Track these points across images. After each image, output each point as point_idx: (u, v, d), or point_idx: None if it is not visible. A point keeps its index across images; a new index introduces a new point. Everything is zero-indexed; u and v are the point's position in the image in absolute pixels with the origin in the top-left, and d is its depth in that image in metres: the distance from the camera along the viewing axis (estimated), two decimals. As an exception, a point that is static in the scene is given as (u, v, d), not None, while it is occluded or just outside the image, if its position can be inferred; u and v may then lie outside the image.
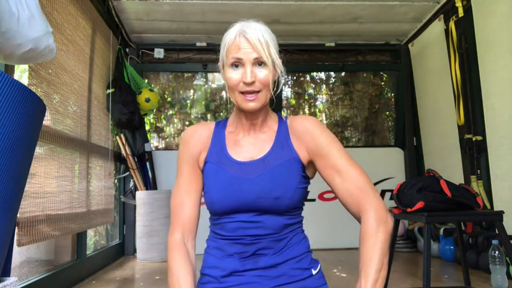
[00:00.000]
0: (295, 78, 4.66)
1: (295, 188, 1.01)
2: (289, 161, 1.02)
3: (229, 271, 1.00)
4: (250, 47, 0.98)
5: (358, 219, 0.97)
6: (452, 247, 3.15)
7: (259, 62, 0.99)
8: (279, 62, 1.02)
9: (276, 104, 4.25)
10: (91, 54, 3.03)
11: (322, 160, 1.01)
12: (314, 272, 1.03)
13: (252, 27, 1.00)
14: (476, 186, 3.05)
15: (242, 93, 1.00)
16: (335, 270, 2.88)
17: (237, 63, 0.99)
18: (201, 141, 1.09)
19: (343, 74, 4.67)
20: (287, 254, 1.01)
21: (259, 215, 1.00)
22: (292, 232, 1.03)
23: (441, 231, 3.28)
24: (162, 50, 4.25)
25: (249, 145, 1.07)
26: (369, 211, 0.94)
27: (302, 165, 1.04)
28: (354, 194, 0.97)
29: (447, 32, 3.39)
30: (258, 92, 0.99)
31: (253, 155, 1.05)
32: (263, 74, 0.99)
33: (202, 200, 1.09)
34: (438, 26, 3.53)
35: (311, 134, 1.03)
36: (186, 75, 4.57)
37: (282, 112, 4.49)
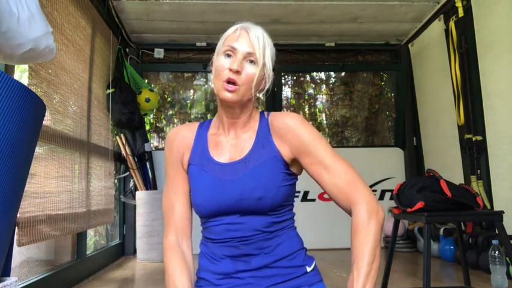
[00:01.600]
0: (295, 78, 4.66)
1: (277, 186, 0.99)
2: (270, 160, 1.01)
3: (222, 274, 1.00)
4: (248, 40, 1.00)
5: (349, 213, 0.96)
6: (452, 247, 3.15)
7: (250, 60, 1.00)
8: (269, 66, 1.03)
9: (276, 104, 4.30)
10: (91, 54, 3.03)
11: (308, 157, 1.00)
12: (309, 269, 1.02)
13: (256, 28, 1.03)
14: (476, 186, 3.05)
15: (225, 81, 0.99)
16: (335, 270, 2.88)
17: (229, 53, 1.00)
18: (184, 142, 1.09)
19: (343, 74, 4.66)
20: (279, 253, 1.00)
21: (243, 216, 0.99)
22: (282, 230, 1.02)
23: (441, 231, 3.28)
24: (162, 50, 4.25)
25: (230, 146, 1.05)
26: (359, 203, 0.93)
27: (285, 163, 1.02)
28: (343, 188, 0.96)
29: (447, 32, 3.38)
30: (240, 85, 0.99)
31: (234, 155, 1.04)
32: (251, 70, 1.00)
33: None
34: (438, 26, 3.53)
35: (293, 131, 1.01)
36: (186, 75, 4.57)
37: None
